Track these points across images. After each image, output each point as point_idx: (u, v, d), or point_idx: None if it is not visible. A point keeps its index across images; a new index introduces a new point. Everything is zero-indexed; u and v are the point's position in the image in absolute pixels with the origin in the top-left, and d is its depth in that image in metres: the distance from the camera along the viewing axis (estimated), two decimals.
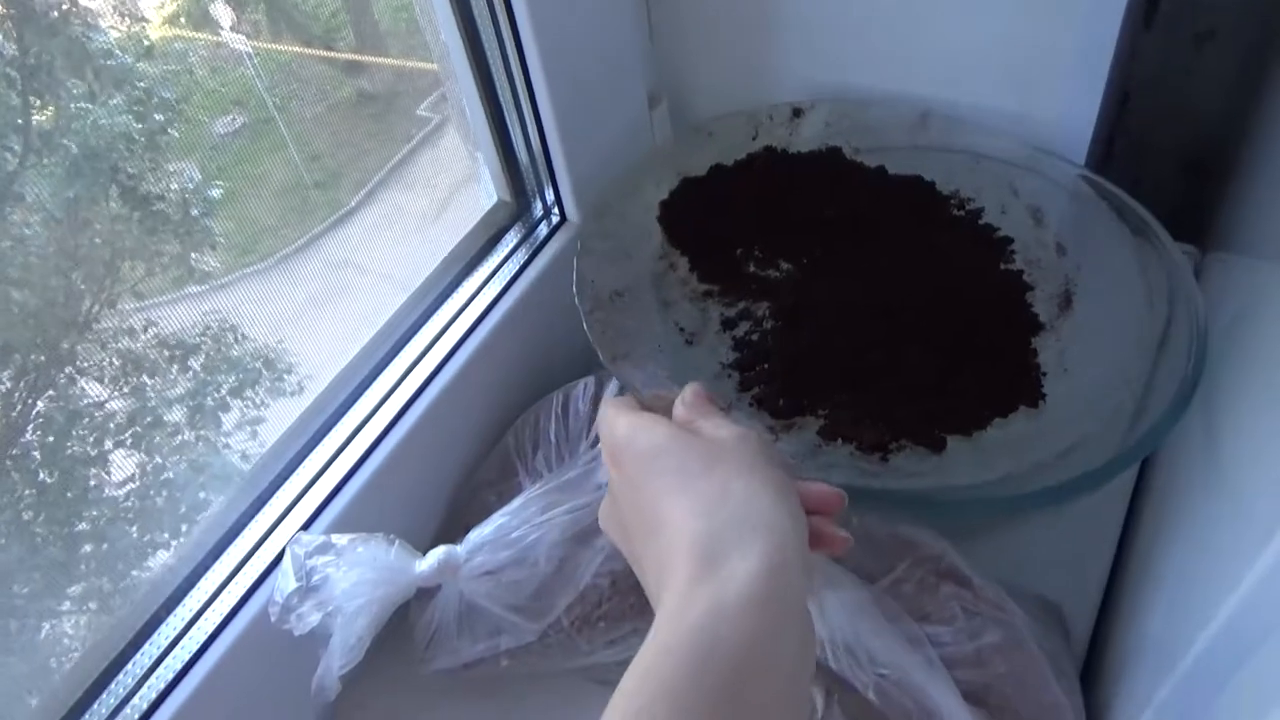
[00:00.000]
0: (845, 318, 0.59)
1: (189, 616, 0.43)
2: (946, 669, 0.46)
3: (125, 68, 1.44)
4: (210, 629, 0.43)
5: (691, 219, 0.66)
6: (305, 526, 0.48)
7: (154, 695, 0.41)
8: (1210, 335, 0.50)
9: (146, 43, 1.48)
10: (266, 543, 0.47)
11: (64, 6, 1.30)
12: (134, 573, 1.52)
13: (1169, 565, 0.49)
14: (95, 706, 0.40)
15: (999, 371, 0.55)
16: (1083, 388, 0.53)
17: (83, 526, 1.46)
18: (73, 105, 1.35)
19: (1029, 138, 0.60)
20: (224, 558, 0.45)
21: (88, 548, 1.47)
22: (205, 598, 0.44)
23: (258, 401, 1.65)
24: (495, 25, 0.55)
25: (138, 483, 1.48)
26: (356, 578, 0.45)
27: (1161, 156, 0.63)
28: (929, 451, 0.53)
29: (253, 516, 0.47)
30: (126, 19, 1.45)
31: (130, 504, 1.52)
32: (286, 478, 0.48)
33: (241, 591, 0.44)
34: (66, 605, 1.49)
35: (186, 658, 0.42)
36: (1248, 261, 0.56)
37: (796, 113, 0.67)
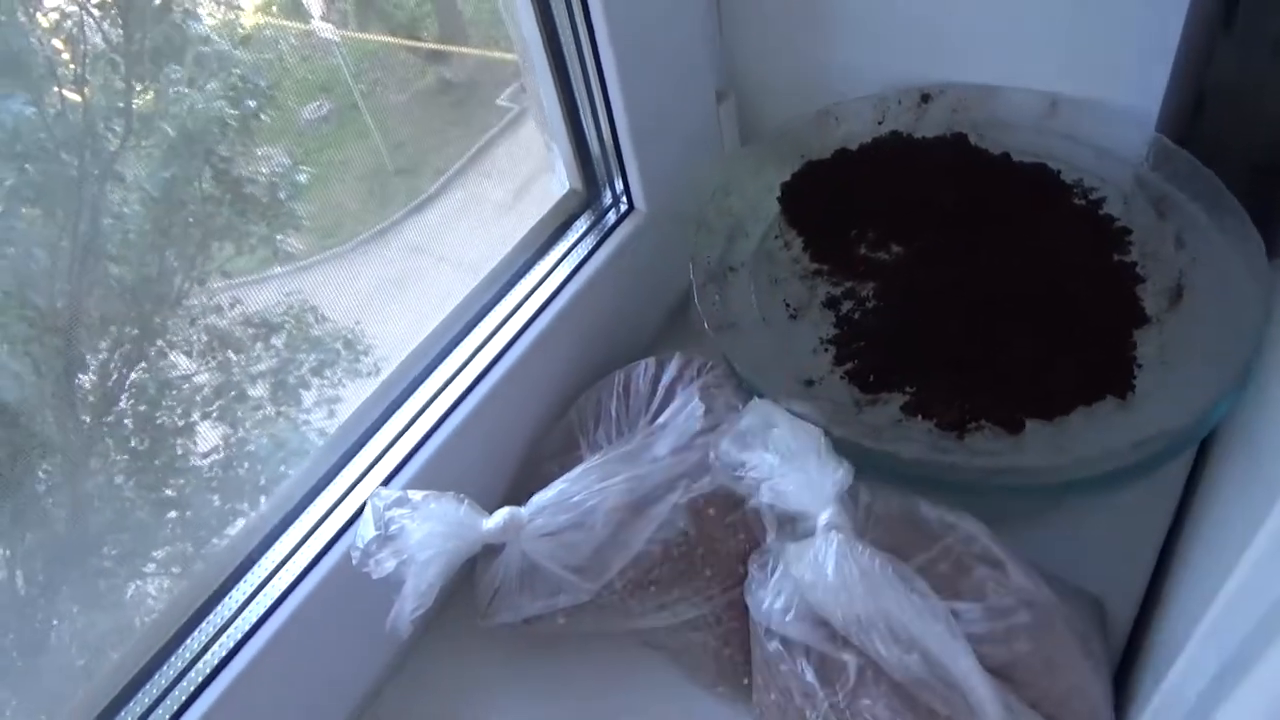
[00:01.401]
0: (948, 301, 0.61)
1: (281, 557, 0.49)
2: (973, 645, 0.48)
3: (222, 54, 1.51)
4: (299, 569, 0.49)
5: (810, 200, 0.68)
6: (385, 483, 0.54)
7: (248, 625, 0.47)
8: (1266, 341, 0.52)
9: (242, 31, 1.57)
10: (350, 496, 0.52)
11: None
12: (214, 540, 1.62)
13: (1211, 564, 0.50)
14: (202, 625, 0.46)
15: (1093, 360, 0.56)
16: (1176, 382, 0.54)
17: (169, 493, 1.56)
18: (171, 90, 1.43)
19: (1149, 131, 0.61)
20: (312, 507, 0.51)
21: (173, 514, 1.57)
22: (296, 540, 0.49)
23: (335, 380, 1.73)
24: (571, 19, 0.59)
25: (221, 454, 1.57)
26: (429, 530, 0.50)
27: (1233, 161, 0.64)
28: (1006, 432, 0.55)
29: (339, 472, 0.52)
30: (223, 6, 1.54)
31: (214, 474, 1.61)
32: (369, 438, 0.54)
33: (328, 537, 0.50)
34: (151, 568, 1.59)
35: (279, 593, 0.48)
36: None
37: (924, 98, 0.68)
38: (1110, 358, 0.55)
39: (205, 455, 1.56)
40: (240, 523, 1.57)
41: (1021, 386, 0.55)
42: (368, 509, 0.48)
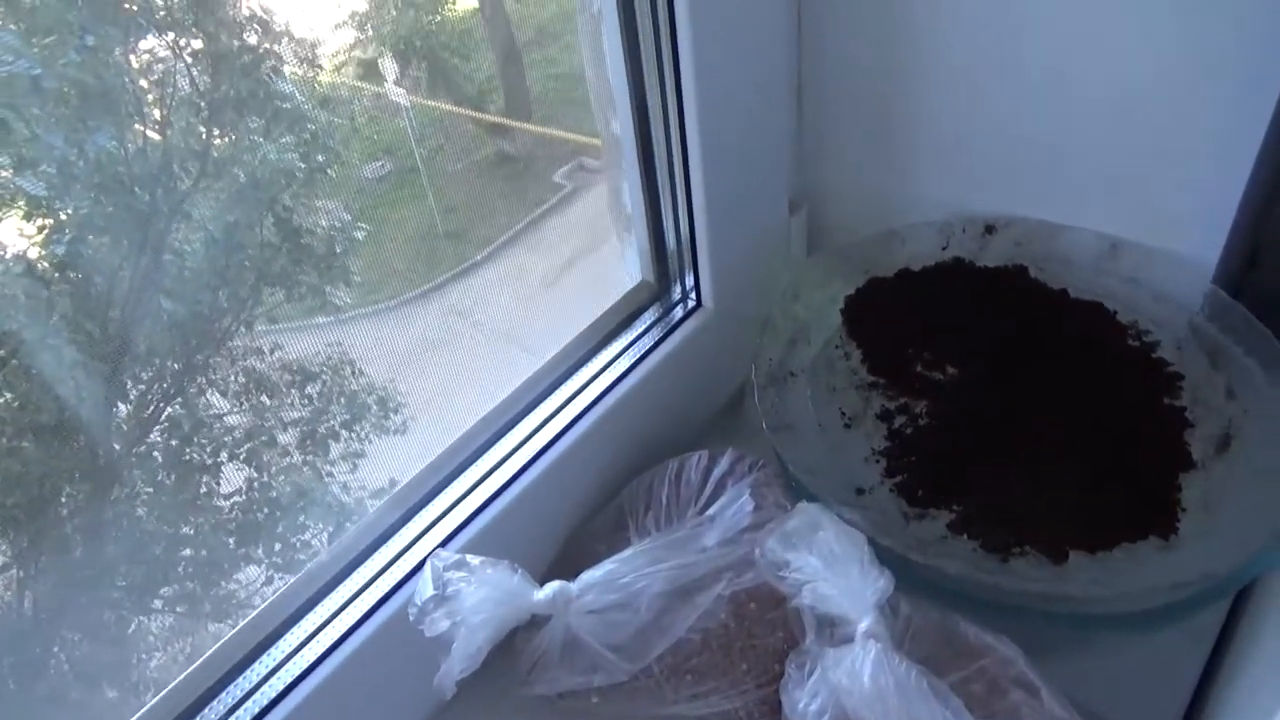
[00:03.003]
0: (999, 425, 0.64)
1: (340, 603, 0.52)
2: None
3: (299, 112, 1.58)
4: (357, 616, 0.52)
5: (872, 315, 0.72)
6: (444, 544, 0.57)
7: (305, 665, 0.50)
8: None
9: (319, 89, 1.66)
10: (408, 553, 0.55)
11: (261, 49, 1.48)
12: (223, 583, 1.63)
13: (1244, 709, 0.52)
14: (263, 657, 0.48)
15: (1138, 499, 0.59)
16: (1219, 530, 0.57)
17: (187, 530, 1.58)
18: (248, 139, 1.50)
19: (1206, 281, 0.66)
20: (374, 558, 0.54)
21: (187, 551, 1.59)
22: (356, 589, 0.52)
23: (363, 435, 1.76)
24: (665, 120, 0.64)
25: (243, 497, 1.59)
26: (483, 595, 0.52)
27: None
28: (1049, 560, 0.57)
29: (401, 527, 0.55)
30: (305, 64, 1.63)
31: (233, 516, 1.63)
32: (433, 498, 0.57)
33: (386, 588, 0.53)
34: (158, 604, 1.60)
35: (337, 636, 0.51)
36: None
37: (989, 229, 0.73)
38: (1156, 498, 0.58)
39: (228, 497, 1.58)
40: (251, 569, 1.59)
41: (1068, 517, 0.57)
42: (427, 568, 0.51)
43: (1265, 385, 0.60)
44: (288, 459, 1.66)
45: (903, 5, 0.68)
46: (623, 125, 0.63)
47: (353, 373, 1.77)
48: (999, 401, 0.64)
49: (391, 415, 1.78)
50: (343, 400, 1.78)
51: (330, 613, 0.52)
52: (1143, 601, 0.53)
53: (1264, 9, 0.58)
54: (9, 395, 1.33)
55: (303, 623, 0.51)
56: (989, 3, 0.65)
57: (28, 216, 1.27)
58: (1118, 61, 0.64)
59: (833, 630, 0.54)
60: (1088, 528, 0.57)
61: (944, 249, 0.74)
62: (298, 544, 1.67)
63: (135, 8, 1.37)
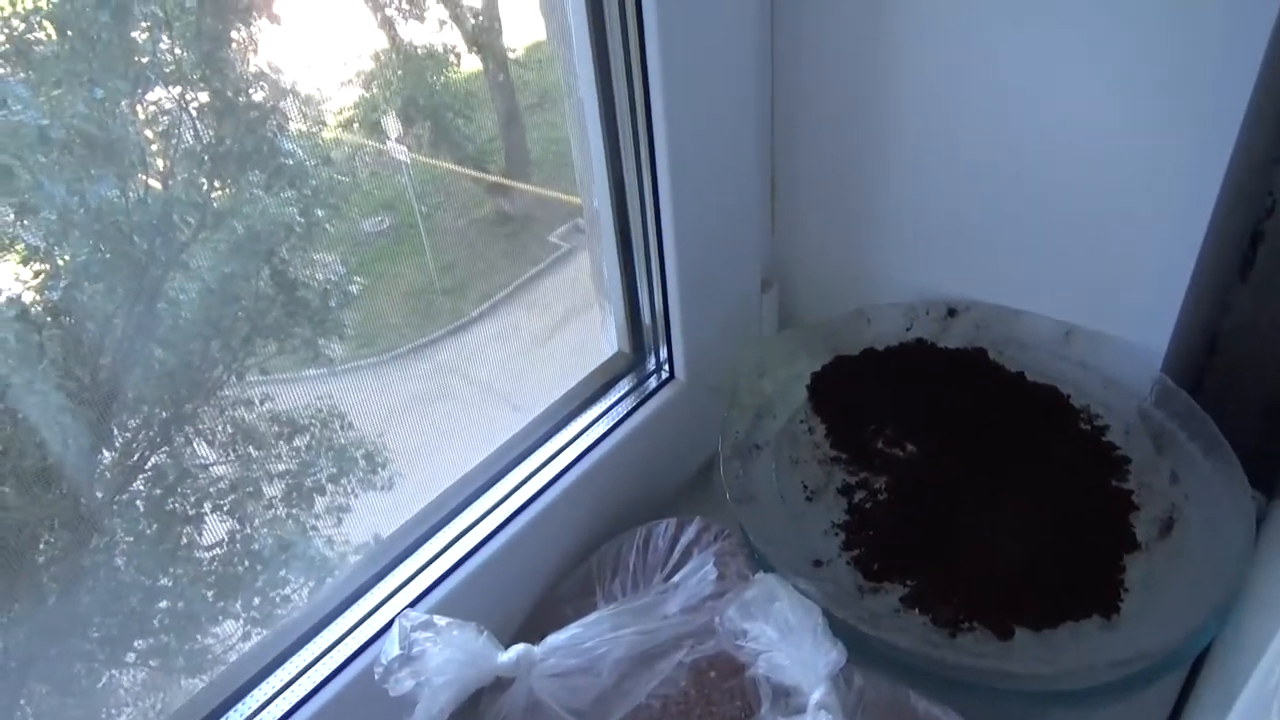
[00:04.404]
0: (952, 503, 0.67)
1: (309, 660, 0.54)
2: None
3: (302, 168, 1.63)
4: (325, 674, 0.54)
5: (837, 392, 0.76)
6: (415, 602, 0.59)
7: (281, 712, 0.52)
8: (1256, 582, 0.57)
9: (323, 146, 1.71)
10: (380, 610, 0.58)
11: (266, 105, 1.53)
12: (199, 636, 1.63)
13: None
14: (229, 714, 0.50)
15: (1083, 579, 0.62)
16: (1160, 610, 0.59)
17: (165, 582, 1.59)
18: (249, 192, 1.55)
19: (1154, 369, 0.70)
20: (345, 615, 0.56)
21: (164, 603, 1.59)
22: (325, 646, 0.55)
23: (348, 490, 1.77)
24: (641, 200, 0.69)
25: (224, 549, 1.60)
26: (448, 656, 0.55)
27: (1246, 400, 0.71)
28: (995, 636, 0.59)
29: (371, 587, 0.58)
30: (309, 121, 1.69)
31: (214, 569, 1.64)
32: (408, 556, 0.60)
33: (356, 646, 0.55)
34: (131, 657, 1.60)
35: (304, 694, 0.53)
36: None
37: (951, 312, 0.78)
38: (1099, 578, 0.61)
39: (209, 548, 1.59)
40: (228, 624, 1.60)
41: (1013, 594, 0.60)
42: (395, 628, 0.54)
43: (1207, 471, 0.64)
44: (272, 511, 1.67)
45: (869, 101, 0.74)
46: (601, 202, 0.68)
47: (341, 426, 1.79)
48: (955, 479, 0.68)
49: (379, 470, 1.79)
50: (330, 454, 1.80)
51: (298, 670, 0.55)
52: (1085, 679, 0.56)
53: (1205, 98, 0.62)
54: None
55: (270, 679, 0.54)
56: (949, 103, 0.71)
57: (25, 261, 1.30)
58: (1066, 156, 0.69)
59: (787, 700, 0.57)
60: (1034, 605, 0.60)
61: (908, 330, 0.78)
62: (277, 598, 1.67)
63: (145, 60, 1.42)
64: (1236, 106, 0.61)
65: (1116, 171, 0.67)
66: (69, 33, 1.30)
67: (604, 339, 0.78)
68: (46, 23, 1.30)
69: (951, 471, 0.68)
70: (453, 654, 0.55)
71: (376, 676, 0.52)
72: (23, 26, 1.33)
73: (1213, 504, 0.62)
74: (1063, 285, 0.73)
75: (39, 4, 1.32)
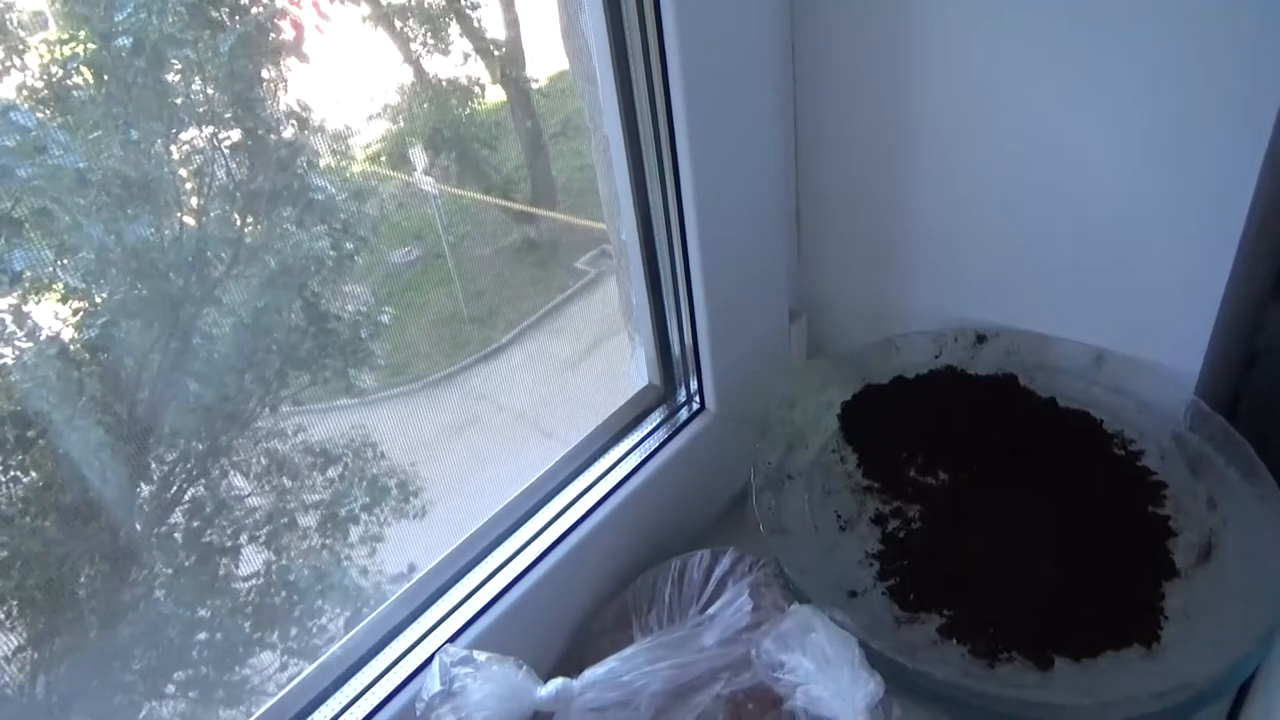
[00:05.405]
0: (988, 531, 0.67)
1: (351, 696, 0.56)
2: None
3: (331, 202, 1.66)
4: (368, 710, 0.56)
5: (868, 421, 0.76)
6: (455, 637, 0.61)
7: None
8: None
9: (350, 180, 1.75)
10: (420, 645, 0.59)
11: (296, 143, 1.56)
12: (237, 667, 1.65)
13: None
14: None
15: (1122, 607, 0.62)
16: (1202, 639, 0.59)
17: (203, 613, 1.61)
18: (281, 227, 1.58)
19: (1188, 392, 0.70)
20: (386, 651, 0.58)
21: (203, 635, 1.62)
22: (367, 682, 0.56)
23: (382, 519, 1.80)
24: (669, 233, 0.70)
25: (261, 579, 1.62)
26: (488, 691, 0.56)
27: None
28: (1035, 667, 0.59)
29: (410, 623, 0.59)
30: (338, 155, 1.72)
31: (250, 599, 1.66)
32: (446, 590, 0.61)
33: (398, 681, 0.56)
34: (170, 689, 1.63)
35: None
36: None
37: (980, 339, 0.78)
38: (1139, 606, 0.60)
39: (246, 579, 1.61)
40: (265, 655, 1.61)
41: (1052, 623, 0.60)
42: (435, 664, 0.55)
43: (1245, 495, 0.64)
44: (307, 542, 1.69)
45: (894, 130, 0.75)
46: (628, 235, 0.69)
47: (374, 455, 1.81)
48: (989, 507, 0.68)
49: (411, 499, 1.81)
50: (363, 483, 1.82)
51: (340, 707, 0.56)
52: (1127, 709, 0.56)
53: (1234, 118, 0.63)
54: (35, 474, 1.38)
55: (313, 716, 0.55)
56: (974, 130, 0.72)
57: (64, 299, 1.34)
58: (1093, 178, 0.69)
59: None
60: (1073, 634, 0.60)
61: (937, 357, 0.78)
62: (314, 629, 1.69)
63: (179, 102, 1.45)
64: (1264, 125, 0.61)
65: (1144, 194, 0.68)
66: (105, 77, 1.34)
67: (634, 369, 0.79)
68: (84, 69, 1.35)
69: (985, 499, 0.68)
70: (493, 689, 0.56)
71: (418, 713, 0.53)
72: (61, 73, 1.37)
73: (1252, 528, 0.62)
74: (1092, 309, 0.73)
75: (77, 50, 1.36)
